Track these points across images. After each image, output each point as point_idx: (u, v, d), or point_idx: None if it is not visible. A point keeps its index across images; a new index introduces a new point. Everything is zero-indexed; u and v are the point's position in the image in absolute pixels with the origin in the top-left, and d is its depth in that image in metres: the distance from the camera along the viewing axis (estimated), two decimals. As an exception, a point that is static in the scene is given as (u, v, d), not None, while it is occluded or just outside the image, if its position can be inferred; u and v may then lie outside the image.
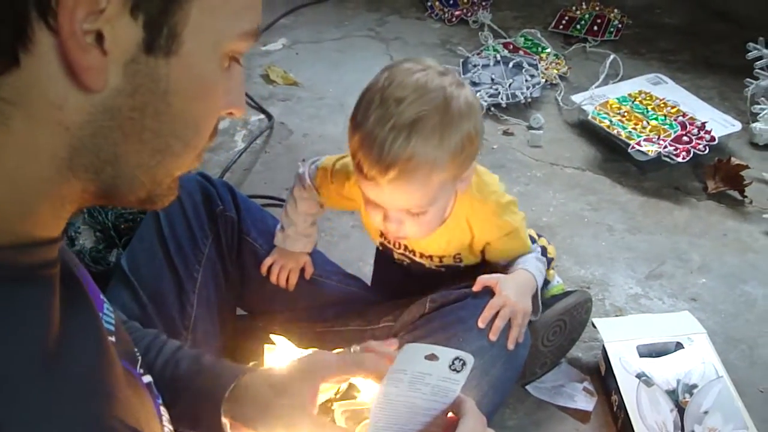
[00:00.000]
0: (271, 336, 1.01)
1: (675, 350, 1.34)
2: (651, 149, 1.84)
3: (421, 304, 1.18)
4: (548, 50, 2.41)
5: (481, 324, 1.11)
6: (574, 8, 2.66)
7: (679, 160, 1.82)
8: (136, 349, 0.72)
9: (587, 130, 2.07)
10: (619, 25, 2.58)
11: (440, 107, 0.98)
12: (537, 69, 2.25)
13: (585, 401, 1.34)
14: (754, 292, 1.58)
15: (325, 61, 2.44)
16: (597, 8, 2.66)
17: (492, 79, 2.20)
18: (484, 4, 2.70)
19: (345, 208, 1.26)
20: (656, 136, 1.88)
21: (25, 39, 0.44)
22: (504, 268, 1.21)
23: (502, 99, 2.14)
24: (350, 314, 1.29)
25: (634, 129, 1.92)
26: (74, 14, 0.44)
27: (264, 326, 1.28)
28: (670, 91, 2.12)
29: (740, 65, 2.18)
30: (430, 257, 1.23)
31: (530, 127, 2.09)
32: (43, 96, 0.47)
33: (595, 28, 2.55)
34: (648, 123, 1.94)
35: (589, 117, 1.99)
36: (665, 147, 1.84)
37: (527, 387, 1.35)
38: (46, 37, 0.45)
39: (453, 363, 0.80)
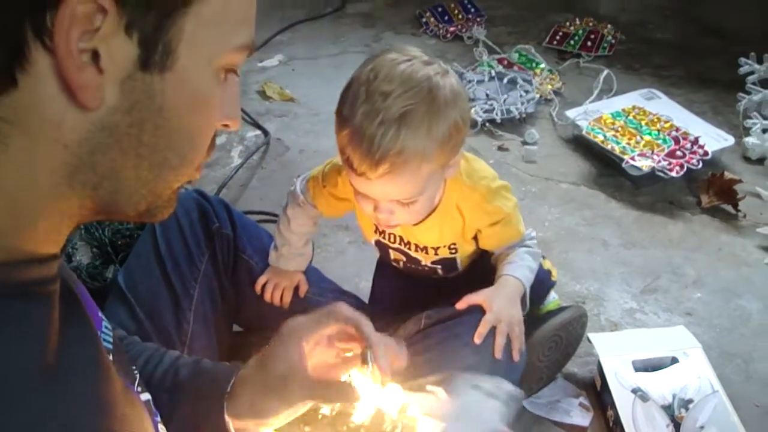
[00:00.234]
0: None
1: (670, 365, 1.34)
2: (645, 164, 1.85)
3: (416, 320, 1.18)
4: (542, 66, 2.42)
5: (477, 340, 1.11)
6: (567, 24, 2.68)
7: (673, 174, 1.83)
8: (134, 367, 0.73)
9: (582, 145, 2.08)
10: (613, 41, 2.60)
11: (427, 98, 0.98)
12: (531, 84, 2.26)
13: (581, 416, 1.34)
14: (749, 306, 1.59)
15: (321, 77, 2.46)
16: (590, 24, 2.68)
17: (487, 95, 2.21)
18: (478, 20, 2.72)
19: (342, 212, 1.25)
20: (650, 151, 1.89)
21: (22, 59, 0.45)
22: (498, 258, 1.22)
23: (496, 114, 2.15)
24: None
25: (628, 144, 1.93)
26: (69, 34, 0.44)
27: (259, 343, 1.27)
28: (663, 106, 2.13)
29: (732, 80, 2.20)
30: (425, 250, 1.23)
31: (525, 143, 2.10)
32: (41, 115, 0.47)
33: (589, 43, 2.57)
34: (642, 138, 1.95)
35: (583, 132, 2.01)
36: (659, 162, 1.85)
37: (523, 402, 1.35)
38: (42, 57, 0.45)
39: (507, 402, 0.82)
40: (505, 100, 2.19)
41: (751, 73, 2.14)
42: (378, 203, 1.06)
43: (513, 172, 1.99)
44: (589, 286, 1.63)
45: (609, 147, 1.94)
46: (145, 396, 0.71)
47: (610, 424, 1.30)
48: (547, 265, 1.36)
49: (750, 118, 2.06)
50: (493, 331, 1.13)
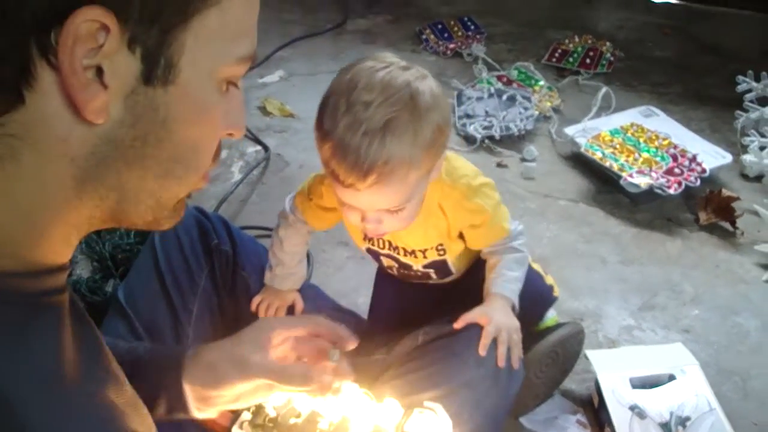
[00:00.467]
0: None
1: (668, 382, 1.34)
2: (643, 181, 1.86)
3: (414, 337, 1.19)
4: (541, 83, 2.44)
5: (482, 352, 1.12)
6: (566, 41, 2.70)
7: (671, 191, 1.84)
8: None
9: (580, 162, 2.09)
10: (611, 58, 2.61)
11: (409, 105, 0.96)
12: (530, 101, 2.27)
13: (578, 433, 1.34)
14: (747, 323, 1.59)
15: (322, 93, 2.44)
16: (589, 41, 2.70)
17: (486, 112, 2.23)
18: (478, 37, 2.74)
19: (333, 222, 1.24)
20: (648, 168, 1.90)
21: (28, 76, 0.46)
22: (487, 263, 1.22)
23: (495, 131, 2.16)
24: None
25: (627, 161, 1.94)
26: (74, 51, 0.46)
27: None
28: (661, 124, 2.14)
29: (730, 98, 2.21)
30: (414, 254, 1.21)
31: (524, 160, 2.11)
32: (49, 130, 0.48)
33: (588, 61, 2.59)
34: (640, 155, 1.96)
35: (582, 149, 2.01)
36: (657, 179, 1.86)
37: (520, 419, 1.35)
38: (48, 74, 0.47)
39: None
40: (504, 117, 2.20)
41: (749, 90, 2.15)
42: (365, 213, 1.05)
43: (512, 188, 2.00)
44: (587, 303, 1.63)
45: (607, 164, 1.95)
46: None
47: (608, 442, 1.31)
48: (550, 280, 1.36)
49: (748, 135, 2.07)
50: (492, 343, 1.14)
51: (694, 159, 1.93)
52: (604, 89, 2.31)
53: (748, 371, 1.47)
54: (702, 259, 1.77)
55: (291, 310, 1.30)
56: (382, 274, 1.36)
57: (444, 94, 1.04)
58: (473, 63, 2.60)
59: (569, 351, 1.36)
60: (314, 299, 1.35)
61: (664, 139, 2.02)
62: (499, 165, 2.10)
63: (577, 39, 2.71)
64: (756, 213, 1.88)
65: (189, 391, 0.86)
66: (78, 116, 0.48)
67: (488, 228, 1.17)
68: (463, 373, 1.11)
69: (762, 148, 2.02)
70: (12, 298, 0.50)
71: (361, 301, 1.49)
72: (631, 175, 1.88)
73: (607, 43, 2.68)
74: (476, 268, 1.27)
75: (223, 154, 2.09)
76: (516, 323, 1.16)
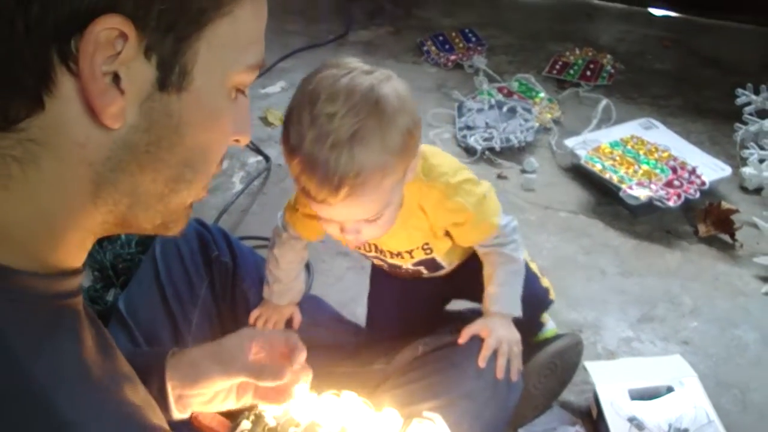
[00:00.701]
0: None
1: (666, 394, 1.34)
2: (643, 193, 1.87)
3: (414, 348, 1.19)
4: (542, 95, 2.45)
5: (481, 363, 1.13)
6: (567, 54, 2.71)
7: (671, 204, 1.85)
8: None
9: (580, 174, 2.09)
10: (612, 71, 2.62)
11: (374, 111, 0.92)
12: (531, 113, 2.28)
13: (577, 445, 1.34)
14: (746, 336, 1.59)
15: (323, 104, 2.47)
16: (590, 54, 2.71)
17: (486, 124, 2.24)
18: (479, 49, 2.75)
19: (323, 231, 1.17)
20: (648, 181, 1.91)
21: (49, 83, 0.48)
22: (484, 268, 1.21)
23: (496, 143, 2.17)
24: (342, 356, 1.30)
25: (626, 173, 1.95)
26: (94, 58, 0.47)
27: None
28: (661, 136, 2.15)
29: (730, 110, 2.22)
30: (400, 255, 1.20)
31: (524, 171, 2.12)
32: (68, 135, 0.50)
33: (588, 73, 2.60)
34: (640, 167, 1.96)
35: (582, 161, 2.02)
36: (657, 191, 1.87)
37: (519, 430, 1.35)
38: (67, 80, 0.48)
39: None
40: (504, 129, 2.21)
41: (749, 103, 2.16)
42: (343, 224, 1.03)
43: (512, 200, 2.01)
44: (586, 314, 1.64)
45: (607, 176, 1.96)
46: None
47: (606, 453, 1.31)
48: (546, 282, 1.37)
49: (747, 148, 2.07)
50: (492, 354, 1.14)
51: (693, 171, 1.94)
52: (604, 101, 2.32)
53: (747, 384, 1.47)
54: (701, 272, 1.77)
55: (290, 323, 1.30)
56: (376, 268, 1.36)
57: (411, 93, 1.00)
58: (474, 75, 2.61)
59: (568, 362, 1.36)
60: (312, 312, 1.35)
61: (663, 152, 2.03)
62: (499, 176, 2.10)
63: (577, 51, 2.72)
64: (755, 225, 1.88)
65: (170, 389, 0.88)
66: (96, 121, 0.50)
67: (473, 225, 1.13)
68: (463, 384, 1.12)
69: (761, 161, 2.03)
70: (37, 299, 0.51)
71: (360, 311, 1.49)
72: (630, 187, 1.89)
73: (608, 56, 2.69)
74: (471, 257, 1.26)
75: (225, 164, 2.09)
76: (517, 336, 1.16)
